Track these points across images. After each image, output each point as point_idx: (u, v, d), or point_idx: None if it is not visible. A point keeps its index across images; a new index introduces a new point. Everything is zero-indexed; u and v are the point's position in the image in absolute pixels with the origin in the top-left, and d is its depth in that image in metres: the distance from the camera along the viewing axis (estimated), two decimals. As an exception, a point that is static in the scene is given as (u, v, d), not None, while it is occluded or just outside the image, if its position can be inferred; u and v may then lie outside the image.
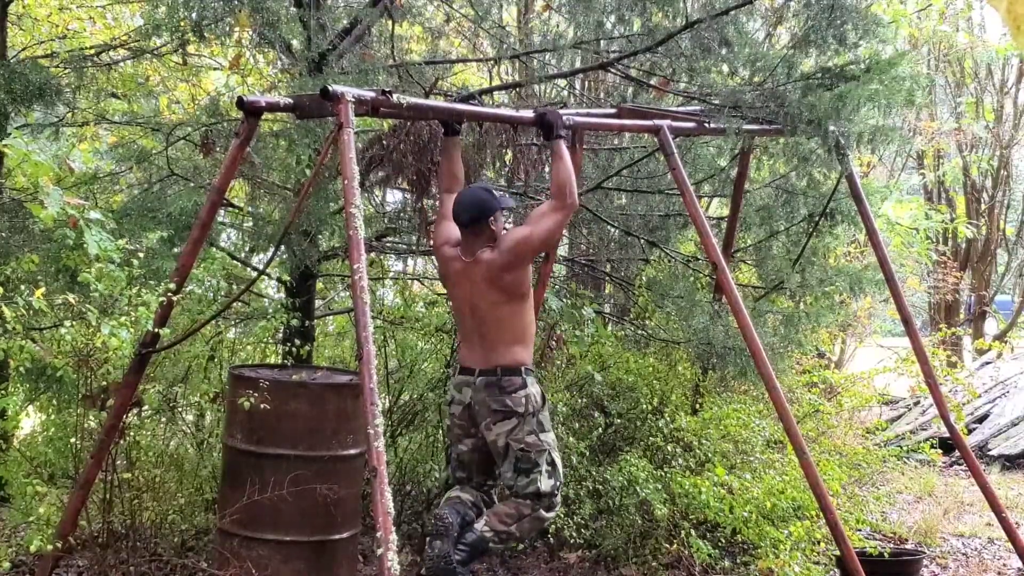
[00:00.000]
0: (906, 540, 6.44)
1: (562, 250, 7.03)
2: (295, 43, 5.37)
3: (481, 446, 4.39)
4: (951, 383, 7.75)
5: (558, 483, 4.36)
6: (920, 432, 9.49)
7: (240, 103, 4.09)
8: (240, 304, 6.02)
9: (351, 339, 6.48)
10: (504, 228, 4.43)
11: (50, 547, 4.20)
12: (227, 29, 5.11)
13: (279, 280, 6.10)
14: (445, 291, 4.83)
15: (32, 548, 4.23)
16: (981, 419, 9.79)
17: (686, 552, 5.33)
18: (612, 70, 5.65)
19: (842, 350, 11.36)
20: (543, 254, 5.48)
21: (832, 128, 5.02)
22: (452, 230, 4.43)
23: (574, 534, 5.43)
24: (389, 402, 5.99)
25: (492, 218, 4.31)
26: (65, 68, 6.10)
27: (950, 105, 13.88)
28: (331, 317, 7.05)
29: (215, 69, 7.99)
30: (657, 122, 4.88)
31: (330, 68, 5.13)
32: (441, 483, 5.62)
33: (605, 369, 6.02)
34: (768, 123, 5.07)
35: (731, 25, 5.03)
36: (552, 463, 4.33)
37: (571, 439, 5.52)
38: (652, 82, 5.79)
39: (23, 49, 7.17)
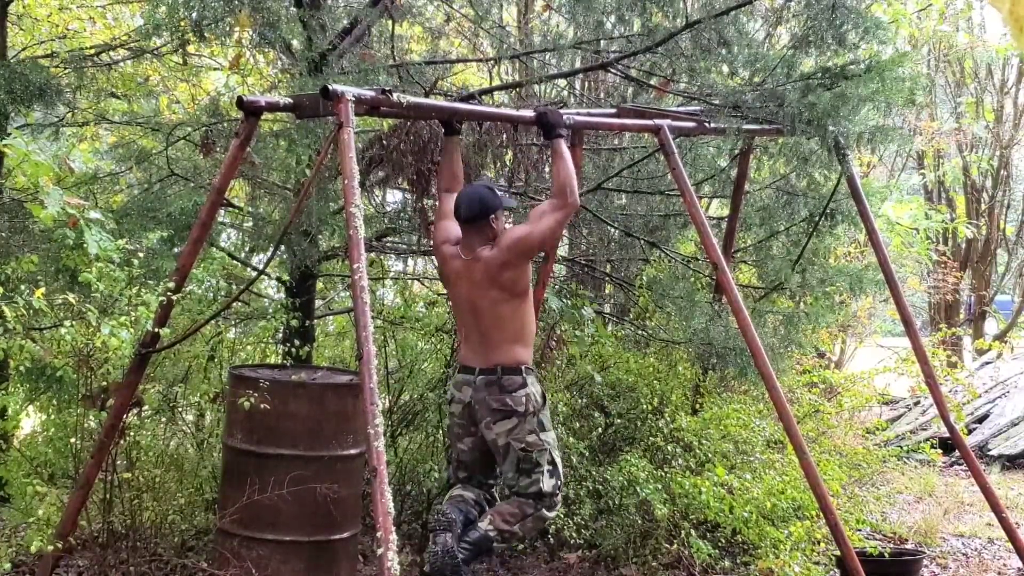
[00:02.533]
0: (906, 540, 6.44)
1: (562, 250, 7.03)
2: (295, 43, 5.37)
3: (481, 445, 4.39)
4: (951, 383, 7.75)
5: (559, 482, 4.36)
6: (920, 432, 9.49)
7: (240, 103, 4.09)
8: (240, 304, 6.03)
9: (351, 339, 6.48)
10: (504, 227, 4.43)
11: (50, 547, 4.20)
12: (227, 29, 5.10)
13: (279, 280, 6.10)
14: (445, 290, 4.82)
15: (32, 548, 4.24)
16: (981, 419, 9.79)
17: (686, 552, 5.33)
18: (612, 70, 5.64)
19: (842, 350, 11.36)
20: (543, 254, 5.48)
21: (832, 128, 5.02)
22: (452, 229, 4.43)
23: (574, 534, 5.43)
24: (389, 402, 5.99)
25: (493, 216, 4.30)
26: (65, 68, 6.10)
27: (950, 105, 13.87)
28: (331, 317, 7.05)
29: (215, 69, 7.99)
30: (657, 122, 4.88)
31: (330, 68, 5.13)
32: (441, 483, 5.62)
33: (605, 369, 6.01)
34: (768, 123, 5.07)
35: (731, 25, 5.03)
36: (553, 463, 4.33)
37: (571, 439, 5.52)
38: (652, 82, 5.79)
39: (23, 49, 7.17)
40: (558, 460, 4.37)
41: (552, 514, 4.39)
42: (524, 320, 4.35)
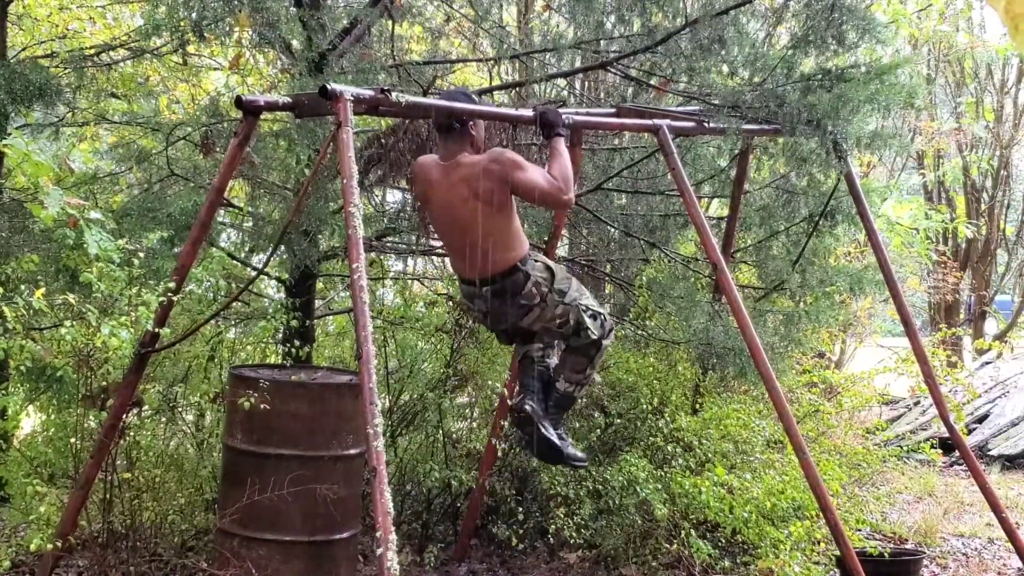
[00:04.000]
0: (906, 540, 6.44)
1: (562, 250, 7.03)
2: (295, 43, 5.37)
3: (519, 329, 4.39)
4: (951, 383, 7.75)
5: (603, 318, 4.38)
6: (920, 432, 9.49)
7: (238, 102, 4.09)
8: (240, 304, 6.03)
9: (351, 339, 6.48)
10: (484, 140, 4.33)
11: (50, 547, 4.21)
12: (227, 29, 5.10)
13: (279, 280, 6.10)
14: (423, 208, 4.62)
15: (32, 548, 4.24)
16: (981, 419, 9.79)
17: (686, 552, 5.33)
18: (612, 70, 5.65)
19: (842, 350, 11.36)
20: (543, 254, 5.48)
21: (831, 129, 5.02)
22: (433, 155, 4.35)
23: (574, 534, 5.43)
24: (389, 402, 5.99)
25: (472, 123, 4.19)
26: (65, 68, 6.10)
27: (950, 105, 13.87)
28: (331, 317, 7.05)
29: (215, 69, 7.99)
30: (657, 122, 4.87)
31: (330, 68, 5.13)
32: (442, 483, 5.63)
33: (605, 369, 6.02)
34: (767, 123, 5.07)
35: (731, 25, 5.03)
36: (588, 309, 4.33)
37: (571, 439, 5.52)
38: (652, 82, 5.79)
39: (23, 49, 7.17)
40: (592, 303, 4.38)
41: (610, 340, 4.45)
42: (508, 226, 4.18)
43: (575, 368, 4.39)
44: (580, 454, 4.50)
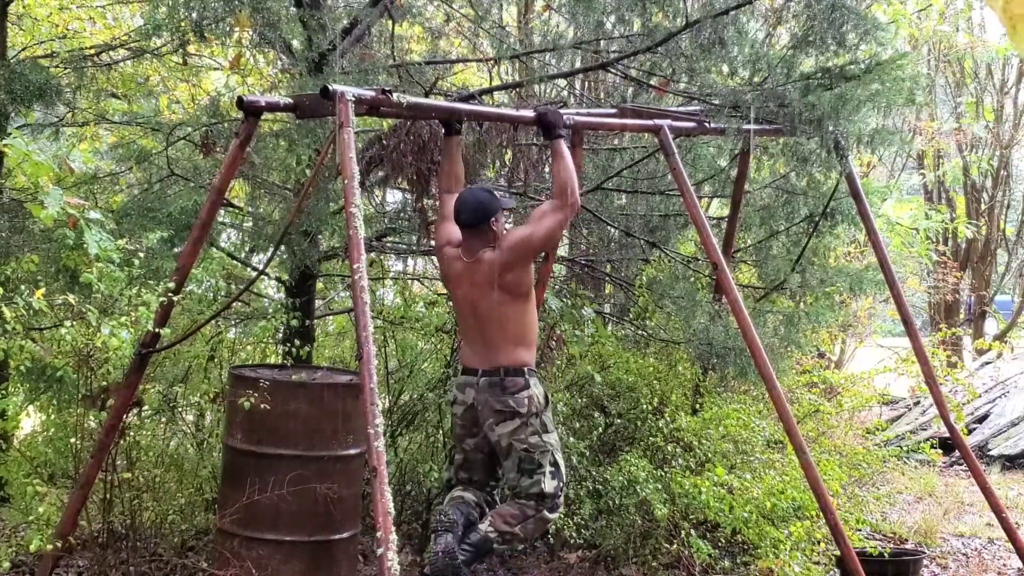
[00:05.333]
0: (906, 540, 6.44)
1: (562, 250, 7.03)
2: (295, 43, 5.37)
3: (484, 446, 4.40)
4: (951, 383, 7.75)
5: (561, 484, 4.36)
6: (920, 432, 9.49)
7: (240, 103, 4.09)
8: (240, 304, 6.02)
9: (351, 339, 6.48)
10: (505, 228, 4.43)
11: (50, 547, 4.21)
12: (227, 29, 5.10)
13: (279, 280, 6.10)
14: (447, 291, 4.83)
15: (32, 548, 4.24)
16: (981, 419, 9.79)
17: (686, 552, 5.33)
18: (612, 70, 5.65)
19: (842, 350, 11.36)
20: (542, 254, 5.47)
21: (832, 128, 5.02)
22: (453, 230, 4.43)
23: (574, 534, 5.43)
24: (389, 402, 5.99)
25: (494, 219, 4.30)
26: (65, 68, 6.10)
27: (950, 105, 13.87)
28: (331, 317, 7.05)
29: (215, 69, 7.99)
30: (657, 122, 4.87)
31: (330, 68, 5.13)
32: (441, 483, 5.62)
33: (605, 369, 6.01)
34: (768, 123, 5.07)
35: (731, 25, 5.03)
36: (555, 464, 4.33)
37: (571, 439, 5.52)
38: (652, 82, 5.79)
39: (23, 49, 7.16)
40: (560, 462, 4.37)
41: (554, 516, 4.38)
42: (526, 321, 4.36)
43: (506, 519, 4.28)
44: None
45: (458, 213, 4.34)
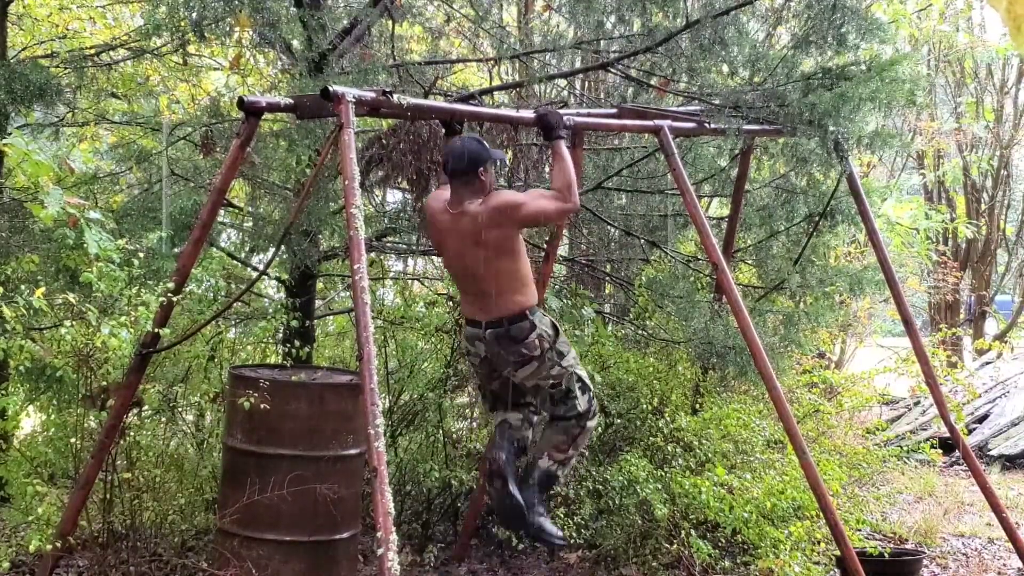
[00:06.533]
0: (906, 540, 6.44)
1: (562, 250, 7.03)
2: (295, 43, 5.37)
3: (508, 384, 4.40)
4: (951, 383, 7.75)
5: (591, 394, 4.40)
6: (920, 432, 9.49)
7: (240, 103, 4.09)
8: (240, 304, 6.02)
9: (351, 339, 6.48)
10: (495, 183, 4.35)
11: (50, 547, 4.21)
12: (227, 29, 5.11)
13: (279, 280, 6.10)
14: (437, 251, 4.68)
15: (32, 548, 4.24)
16: (981, 419, 9.79)
17: (686, 552, 5.33)
18: (612, 70, 5.65)
19: (842, 350, 11.36)
20: (543, 253, 5.48)
21: (832, 128, 5.02)
22: (443, 194, 4.37)
23: (574, 534, 5.43)
24: (389, 402, 5.99)
25: (482, 169, 4.21)
26: (65, 68, 6.10)
27: (950, 105, 13.87)
28: (331, 317, 7.05)
29: (215, 69, 7.99)
30: (657, 122, 4.87)
31: (330, 68, 5.13)
32: (441, 483, 5.63)
33: (605, 369, 6.02)
34: (768, 123, 5.07)
35: (731, 25, 5.03)
36: (581, 380, 4.36)
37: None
38: (652, 82, 5.79)
39: (23, 49, 7.17)
40: (584, 376, 4.40)
41: (595, 422, 4.45)
42: (519, 271, 4.26)
43: (558, 447, 4.37)
44: (557, 531, 4.42)
45: (446, 161, 4.26)
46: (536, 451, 4.42)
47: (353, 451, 4.65)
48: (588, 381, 4.43)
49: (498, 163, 4.64)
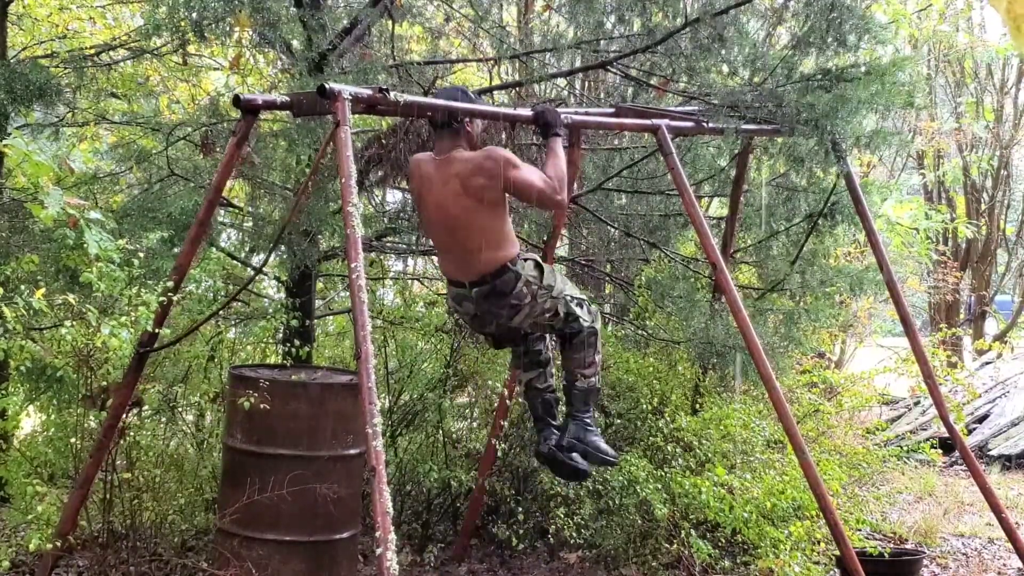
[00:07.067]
0: (906, 540, 6.44)
1: (562, 250, 7.03)
2: (295, 43, 5.37)
3: (504, 325, 4.38)
4: (951, 383, 7.75)
5: (588, 305, 4.40)
6: (920, 432, 9.49)
7: (236, 101, 4.08)
8: (240, 304, 6.03)
9: (351, 339, 6.47)
10: (479, 136, 4.30)
11: (50, 547, 4.21)
12: (227, 29, 5.10)
13: (279, 280, 6.10)
14: (418, 208, 4.56)
15: (32, 548, 4.24)
16: (981, 419, 9.79)
17: (686, 552, 5.33)
18: (612, 70, 5.65)
19: (842, 350, 11.36)
20: (542, 255, 5.47)
21: (829, 128, 5.02)
22: (429, 153, 4.33)
23: (574, 534, 5.43)
24: (389, 402, 5.99)
25: (468, 120, 4.16)
26: (65, 68, 6.10)
27: (950, 105, 13.88)
28: (331, 317, 7.06)
29: (215, 69, 7.99)
30: (656, 122, 4.87)
31: (330, 68, 5.13)
32: (441, 483, 5.63)
33: (605, 369, 6.01)
34: (767, 123, 5.07)
35: (731, 25, 5.03)
36: (575, 299, 4.34)
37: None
38: (652, 82, 5.79)
39: (23, 49, 7.17)
40: (574, 291, 4.39)
41: (600, 324, 4.47)
42: (500, 226, 4.17)
43: (582, 363, 4.41)
44: (610, 449, 4.50)
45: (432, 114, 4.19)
46: (567, 376, 4.44)
47: (353, 451, 4.65)
48: (579, 294, 4.41)
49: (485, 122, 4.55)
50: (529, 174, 4.11)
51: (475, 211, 4.07)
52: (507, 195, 4.12)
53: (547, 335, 4.55)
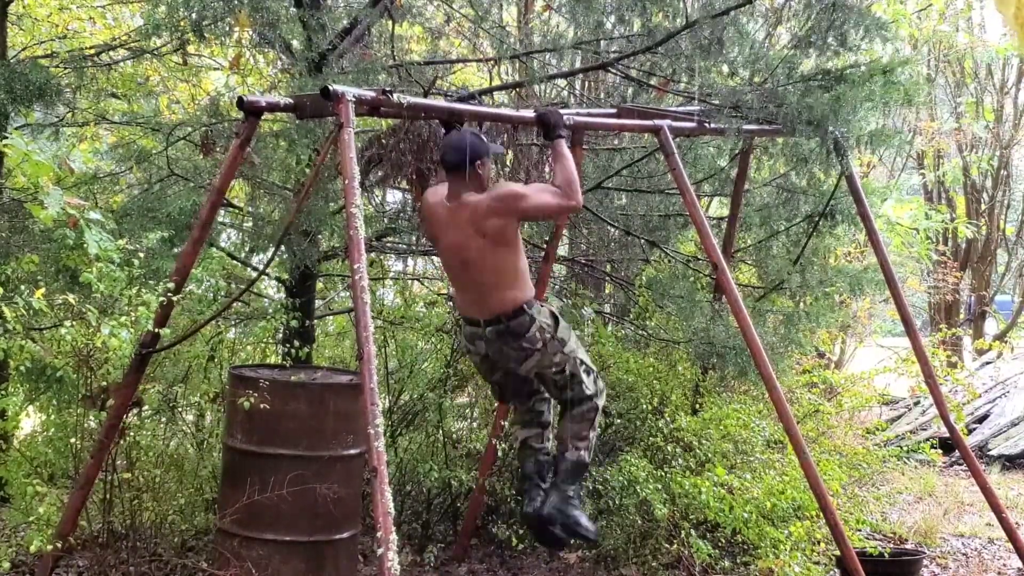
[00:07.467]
0: (906, 540, 6.44)
1: (562, 250, 7.03)
2: (295, 43, 5.37)
3: (511, 375, 4.42)
4: (951, 383, 7.75)
5: (595, 372, 4.43)
6: (920, 432, 9.49)
7: (240, 103, 4.09)
8: (240, 304, 6.02)
9: (351, 339, 6.48)
10: (493, 176, 4.34)
11: (50, 547, 4.20)
12: (227, 29, 5.11)
13: (279, 280, 6.10)
14: (433, 246, 4.65)
15: (32, 548, 4.24)
16: (981, 419, 9.79)
17: (686, 552, 5.33)
18: (612, 70, 5.65)
19: (842, 350, 11.36)
20: (542, 253, 5.48)
21: (831, 129, 5.02)
22: (439, 190, 4.35)
23: (574, 534, 5.42)
24: (389, 402, 5.99)
25: (480, 162, 4.18)
26: (65, 68, 6.10)
27: (950, 105, 13.87)
28: (331, 317, 7.05)
29: (215, 69, 7.99)
30: (657, 122, 4.87)
31: (330, 68, 5.13)
32: (441, 483, 5.63)
33: (605, 369, 6.01)
34: (767, 123, 5.07)
35: (731, 26, 5.03)
36: (584, 363, 4.37)
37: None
38: (652, 82, 5.79)
39: (23, 49, 7.17)
40: (587, 358, 4.41)
41: (603, 400, 4.49)
42: (516, 265, 4.24)
43: (577, 435, 4.40)
44: (590, 525, 4.48)
45: (443, 154, 4.22)
46: (560, 446, 4.44)
47: (353, 451, 4.65)
48: (591, 363, 4.44)
49: (496, 157, 4.61)
50: (539, 197, 4.18)
51: (491, 251, 4.15)
52: (520, 235, 4.25)
53: (551, 399, 4.55)
